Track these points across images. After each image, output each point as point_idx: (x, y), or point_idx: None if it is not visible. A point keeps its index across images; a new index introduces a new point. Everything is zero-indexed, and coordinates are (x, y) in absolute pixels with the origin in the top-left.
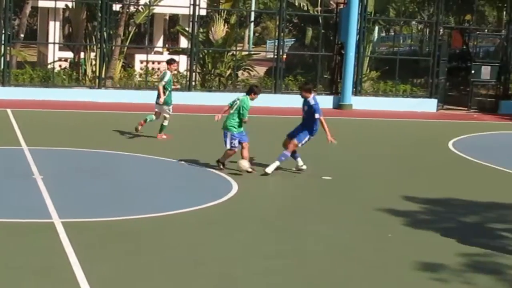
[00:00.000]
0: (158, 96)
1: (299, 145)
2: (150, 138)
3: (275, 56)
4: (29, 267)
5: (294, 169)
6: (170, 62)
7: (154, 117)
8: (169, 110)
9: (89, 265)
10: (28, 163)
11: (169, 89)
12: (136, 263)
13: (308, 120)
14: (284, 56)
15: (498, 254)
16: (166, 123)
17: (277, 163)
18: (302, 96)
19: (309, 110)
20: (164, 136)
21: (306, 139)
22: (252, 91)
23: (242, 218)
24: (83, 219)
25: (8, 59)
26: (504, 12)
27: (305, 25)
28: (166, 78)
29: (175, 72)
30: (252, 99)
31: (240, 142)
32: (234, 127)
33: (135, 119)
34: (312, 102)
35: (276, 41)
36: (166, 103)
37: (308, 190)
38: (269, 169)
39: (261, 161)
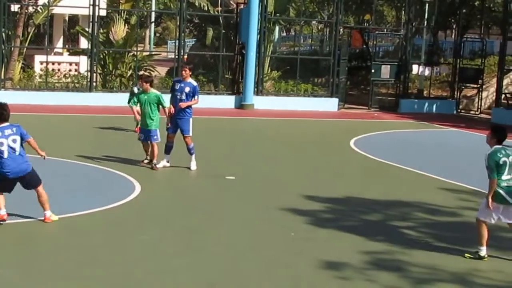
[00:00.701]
0: None
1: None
2: (48, 139)
3: (176, 57)
4: None
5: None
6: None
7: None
8: None
9: None
10: None
11: None
12: (35, 266)
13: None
14: (185, 57)
15: (400, 251)
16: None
17: (194, 156)
18: (182, 79)
19: (190, 92)
20: None
21: (191, 124)
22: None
23: (144, 218)
24: None
25: None
26: (403, 12)
27: (206, 25)
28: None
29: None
30: (143, 88)
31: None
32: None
33: (35, 121)
34: (195, 83)
35: (177, 41)
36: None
37: (211, 190)
38: (193, 166)
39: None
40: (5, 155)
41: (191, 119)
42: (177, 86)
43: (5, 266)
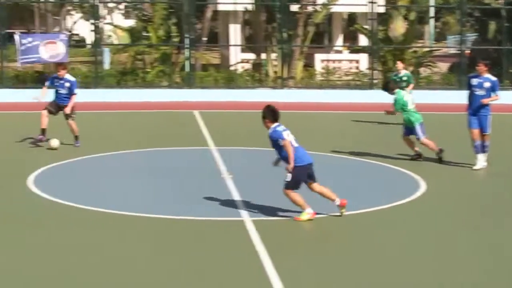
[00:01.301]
0: None
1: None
2: (327, 137)
3: (459, 51)
4: (220, 263)
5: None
6: None
7: None
8: None
9: (280, 262)
10: (216, 162)
11: None
12: (325, 261)
13: (483, 98)
14: (468, 52)
15: None
16: None
17: (486, 154)
18: (479, 73)
19: (490, 87)
20: None
21: (491, 121)
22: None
23: (431, 217)
24: (272, 218)
25: (192, 62)
26: None
27: (487, 18)
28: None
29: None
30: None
31: None
32: None
33: (319, 119)
34: (493, 78)
35: (458, 36)
36: None
37: (500, 189)
38: (481, 164)
39: (452, 158)
40: (294, 143)
41: (490, 116)
42: (475, 82)
43: (295, 260)
